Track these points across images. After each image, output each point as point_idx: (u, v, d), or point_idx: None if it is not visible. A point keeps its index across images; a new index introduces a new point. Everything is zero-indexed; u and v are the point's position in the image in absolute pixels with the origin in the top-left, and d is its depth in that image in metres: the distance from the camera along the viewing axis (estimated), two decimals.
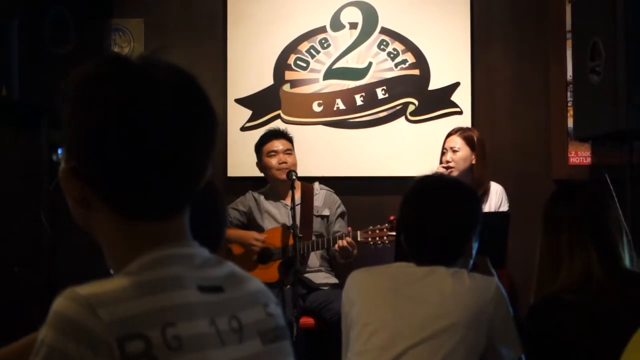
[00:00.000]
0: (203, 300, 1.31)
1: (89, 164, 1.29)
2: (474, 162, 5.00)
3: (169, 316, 1.25)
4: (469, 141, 5.00)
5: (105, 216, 1.31)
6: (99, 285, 1.25)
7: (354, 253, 4.89)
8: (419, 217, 2.76)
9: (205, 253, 1.38)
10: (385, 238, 4.79)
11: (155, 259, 1.29)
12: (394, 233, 4.64)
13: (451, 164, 4.97)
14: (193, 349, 1.25)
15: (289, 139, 5.20)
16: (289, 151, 5.14)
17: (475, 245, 2.76)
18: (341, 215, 5.22)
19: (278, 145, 5.14)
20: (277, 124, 5.62)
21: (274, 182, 5.19)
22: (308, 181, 5.28)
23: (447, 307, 2.58)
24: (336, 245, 4.84)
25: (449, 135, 5.09)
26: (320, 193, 5.25)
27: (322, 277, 5.14)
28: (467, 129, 5.17)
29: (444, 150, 5.05)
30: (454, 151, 4.99)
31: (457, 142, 5.01)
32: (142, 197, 1.31)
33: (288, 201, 4.97)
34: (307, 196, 5.19)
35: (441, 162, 5.04)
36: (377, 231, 4.81)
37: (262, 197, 5.26)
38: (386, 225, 4.80)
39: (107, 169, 1.28)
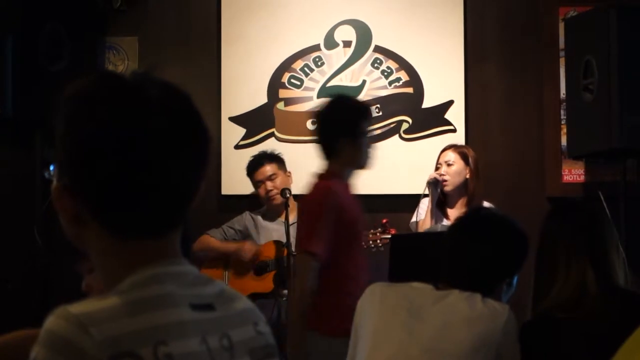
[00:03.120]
0: (195, 319, 1.30)
1: (81, 182, 1.29)
2: (467, 176, 5.00)
3: (161, 335, 1.24)
4: (463, 156, 5.01)
5: (97, 233, 1.31)
6: (91, 303, 1.24)
7: None
8: (457, 242, 2.77)
9: (196, 271, 1.37)
10: (379, 242, 4.80)
11: (147, 276, 1.29)
12: (388, 236, 4.66)
13: (445, 177, 4.97)
14: None
15: (274, 161, 5.26)
16: (273, 176, 5.20)
17: (508, 291, 2.76)
18: None
19: (262, 173, 5.22)
20: (272, 142, 5.63)
21: (268, 206, 5.28)
22: None
23: (455, 331, 2.57)
24: None
25: (444, 150, 5.10)
26: None
27: None
28: (461, 145, 5.20)
29: (438, 165, 5.04)
30: (449, 165, 4.99)
31: (451, 156, 5.02)
32: (134, 216, 1.30)
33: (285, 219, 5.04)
34: None
35: None
36: (371, 235, 4.82)
37: (259, 217, 5.31)
38: (379, 229, 4.81)
39: (98, 187, 1.28)
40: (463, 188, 5.00)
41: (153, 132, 1.28)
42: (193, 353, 1.27)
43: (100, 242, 1.31)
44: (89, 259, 1.36)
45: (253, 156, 5.36)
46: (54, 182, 1.33)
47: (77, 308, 1.22)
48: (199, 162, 1.34)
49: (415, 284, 2.76)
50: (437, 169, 5.06)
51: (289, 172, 5.31)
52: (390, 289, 2.77)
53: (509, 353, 2.59)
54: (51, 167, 1.39)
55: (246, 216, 5.33)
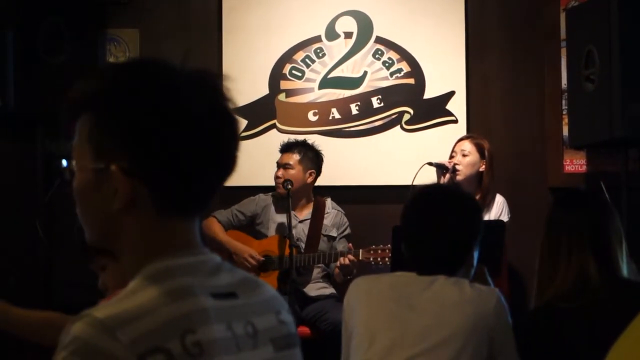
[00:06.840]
0: (218, 306, 1.31)
1: (149, 157, 1.30)
2: (482, 169, 4.96)
3: (187, 323, 1.25)
4: (479, 148, 4.96)
5: (140, 215, 1.31)
6: (115, 305, 1.25)
7: (354, 272, 4.85)
8: (420, 228, 2.76)
9: (217, 259, 1.39)
10: (387, 259, 4.74)
11: (165, 268, 1.30)
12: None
13: (458, 167, 4.92)
14: (213, 354, 1.26)
15: (302, 154, 5.17)
16: (288, 166, 5.12)
17: (475, 255, 2.76)
18: (346, 236, 5.20)
19: (282, 158, 5.18)
20: (273, 134, 5.63)
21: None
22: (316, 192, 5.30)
23: (447, 317, 2.58)
24: (338, 262, 4.82)
25: (460, 140, 5.06)
26: (331, 213, 5.23)
27: (320, 288, 5.13)
28: (478, 137, 5.11)
29: (453, 154, 5.00)
30: (464, 155, 4.94)
31: (467, 146, 4.97)
32: (186, 192, 1.32)
33: (297, 214, 5.13)
34: (319, 214, 5.19)
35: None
36: (380, 251, 4.79)
37: (271, 207, 5.24)
38: (388, 246, 4.70)
39: (166, 161, 1.30)
40: (476, 181, 4.95)
41: (208, 110, 1.40)
42: (220, 339, 1.28)
43: (140, 225, 1.32)
44: (101, 257, 1.37)
45: (296, 139, 5.30)
46: (111, 167, 1.30)
47: (102, 312, 1.23)
48: (235, 142, 1.42)
49: (398, 273, 2.77)
50: (451, 157, 5.01)
51: (312, 172, 5.18)
52: (374, 281, 2.77)
53: (501, 335, 2.60)
54: (64, 162, 1.38)
55: (258, 200, 5.28)
